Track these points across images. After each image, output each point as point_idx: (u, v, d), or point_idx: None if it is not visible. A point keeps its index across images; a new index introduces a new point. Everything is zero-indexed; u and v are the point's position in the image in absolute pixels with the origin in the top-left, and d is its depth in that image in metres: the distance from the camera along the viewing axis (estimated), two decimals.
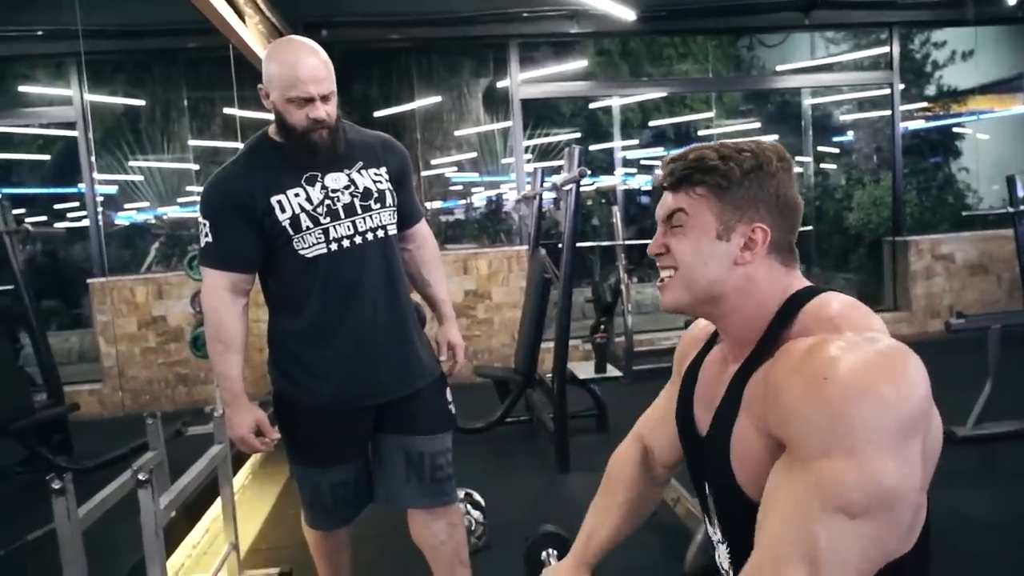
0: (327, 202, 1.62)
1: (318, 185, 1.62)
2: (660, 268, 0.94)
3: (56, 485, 1.60)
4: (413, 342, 1.75)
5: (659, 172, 0.95)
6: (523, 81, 5.55)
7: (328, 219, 1.61)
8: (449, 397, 1.83)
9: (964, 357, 3.49)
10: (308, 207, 1.60)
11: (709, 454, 0.91)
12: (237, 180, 1.62)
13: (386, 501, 1.79)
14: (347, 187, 1.65)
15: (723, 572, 0.99)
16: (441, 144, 6.62)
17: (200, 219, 1.63)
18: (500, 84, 5.98)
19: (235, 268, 1.63)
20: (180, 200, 6.10)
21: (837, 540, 0.68)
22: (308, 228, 1.60)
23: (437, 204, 6.92)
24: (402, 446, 1.74)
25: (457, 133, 6.58)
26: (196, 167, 5.97)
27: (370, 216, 1.66)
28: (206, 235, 1.61)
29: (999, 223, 5.71)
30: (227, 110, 5.60)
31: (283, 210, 1.59)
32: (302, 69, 1.55)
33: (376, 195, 1.68)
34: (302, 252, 1.61)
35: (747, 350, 0.88)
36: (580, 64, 6.51)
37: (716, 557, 1.00)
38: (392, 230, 1.72)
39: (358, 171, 1.68)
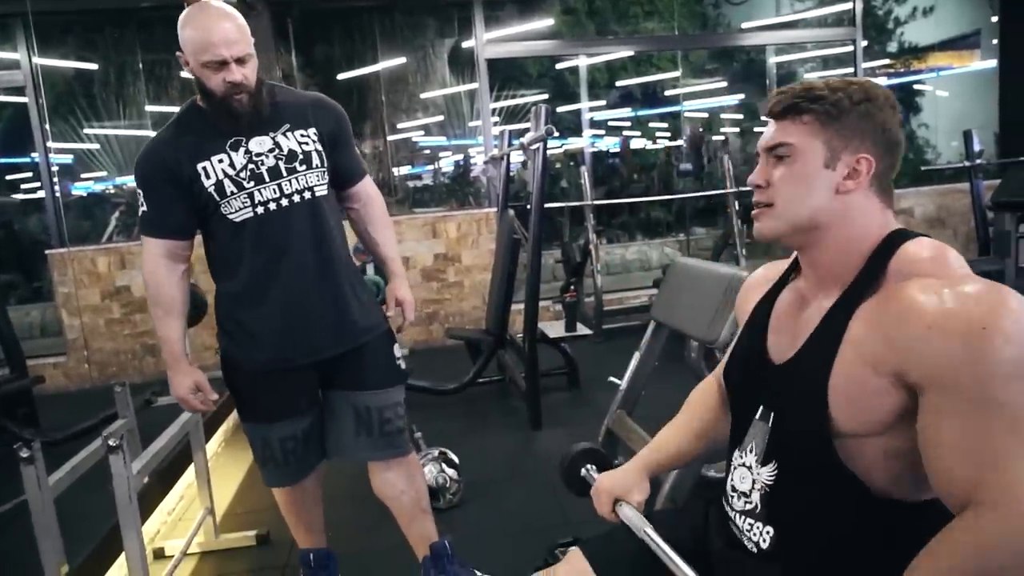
0: (251, 166, 1.62)
1: (242, 150, 1.63)
2: (756, 199, 0.95)
3: (24, 454, 1.59)
4: (348, 303, 1.74)
5: (766, 103, 0.95)
6: (488, 40, 5.47)
7: (252, 183, 1.62)
8: (397, 352, 1.85)
9: None
10: (231, 172, 1.61)
11: (787, 380, 0.94)
12: (166, 147, 1.64)
13: (337, 454, 1.83)
14: (271, 150, 1.64)
15: (735, 493, 1.01)
16: (407, 107, 6.51)
17: (137, 188, 1.67)
18: (465, 44, 5.89)
19: (170, 235, 1.67)
20: None
21: None
22: (233, 193, 1.61)
23: (405, 169, 6.83)
24: (350, 401, 1.77)
25: (423, 95, 6.47)
26: (154, 134, 5.80)
27: (295, 178, 1.65)
28: (142, 204, 1.66)
29: (956, 177, 5.85)
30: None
31: (208, 176, 1.61)
32: (214, 33, 1.54)
33: (301, 156, 1.67)
34: (230, 217, 1.63)
35: (841, 284, 0.90)
36: (546, 23, 6.44)
37: (728, 479, 1.03)
38: (320, 191, 1.70)
39: (283, 133, 1.67)
